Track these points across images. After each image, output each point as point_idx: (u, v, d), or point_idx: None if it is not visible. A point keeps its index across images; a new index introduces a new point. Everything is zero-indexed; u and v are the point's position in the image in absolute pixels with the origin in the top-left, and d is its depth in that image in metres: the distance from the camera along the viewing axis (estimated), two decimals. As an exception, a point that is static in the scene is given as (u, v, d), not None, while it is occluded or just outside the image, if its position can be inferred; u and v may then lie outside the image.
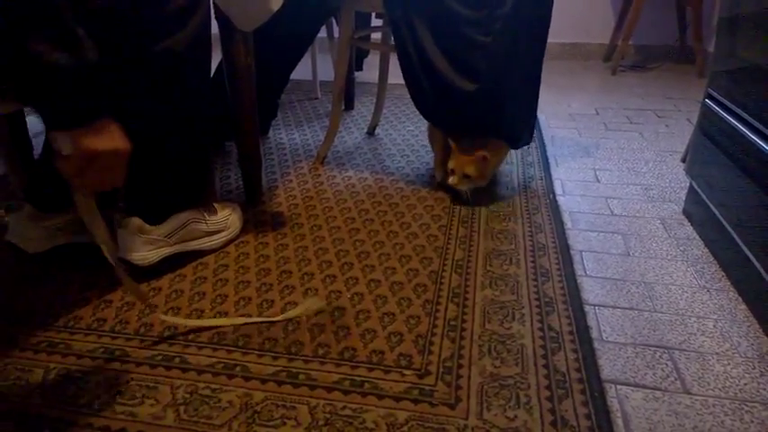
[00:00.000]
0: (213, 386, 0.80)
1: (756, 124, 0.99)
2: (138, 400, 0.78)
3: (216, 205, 1.18)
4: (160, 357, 0.86)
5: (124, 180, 0.78)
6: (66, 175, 0.73)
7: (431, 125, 1.51)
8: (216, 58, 1.21)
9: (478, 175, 1.31)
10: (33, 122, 1.56)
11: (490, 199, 1.39)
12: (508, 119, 1.34)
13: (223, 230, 1.16)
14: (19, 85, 0.73)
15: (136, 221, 1.01)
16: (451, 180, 1.32)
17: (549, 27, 1.34)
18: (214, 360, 0.85)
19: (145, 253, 1.03)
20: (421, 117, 1.46)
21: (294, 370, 0.83)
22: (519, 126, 1.39)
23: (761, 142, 0.96)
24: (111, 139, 0.73)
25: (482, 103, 1.29)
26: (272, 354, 0.87)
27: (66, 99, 0.69)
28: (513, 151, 1.68)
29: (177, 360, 0.85)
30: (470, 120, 1.33)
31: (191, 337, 0.91)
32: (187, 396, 0.78)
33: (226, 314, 0.96)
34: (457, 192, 1.37)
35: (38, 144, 1.14)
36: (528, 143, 1.48)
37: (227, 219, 1.17)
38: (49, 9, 0.65)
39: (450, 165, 1.33)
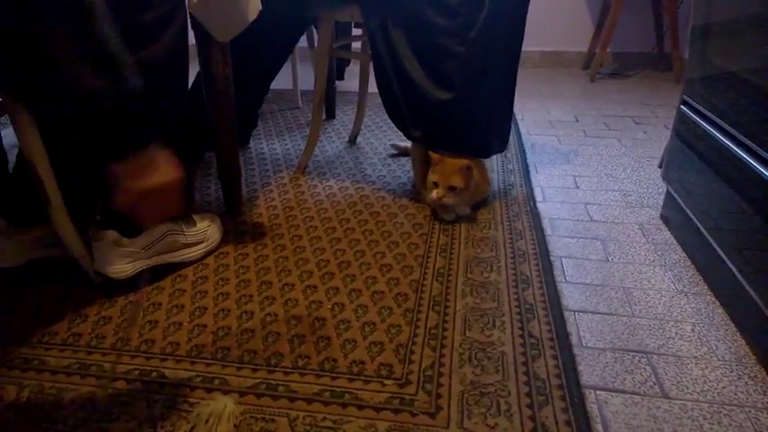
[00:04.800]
0: (191, 400, 0.79)
1: (730, 129, 1.00)
2: (113, 416, 0.76)
3: (195, 216, 1.16)
4: (137, 372, 0.85)
5: (182, 209, 0.73)
6: (123, 210, 0.68)
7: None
8: (194, 70, 1.20)
9: (464, 185, 1.25)
10: (8, 135, 1.54)
11: (471, 207, 1.40)
12: (479, 129, 1.34)
13: (202, 242, 1.15)
14: (56, 114, 0.69)
15: (112, 234, 0.99)
16: (436, 193, 1.26)
17: (522, 36, 1.35)
18: (192, 373, 0.84)
19: (121, 266, 1.01)
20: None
21: (274, 382, 0.82)
22: (489, 136, 1.38)
23: (735, 147, 0.97)
24: (158, 173, 0.68)
25: (456, 113, 1.29)
26: (252, 366, 0.86)
27: (109, 130, 0.64)
28: (494, 159, 1.69)
29: (155, 374, 0.84)
30: (443, 130, 1.33)
31: (168, 350, 0.89)
32: (164, 411, 0.77)
33: (205, 327, 0.95)
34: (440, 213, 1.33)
35: (12, 157, 1.12)
36: (500, 151, 1.47)
37: (206, 230, 1.16)
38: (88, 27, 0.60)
39: (434, 177, 1.26)
